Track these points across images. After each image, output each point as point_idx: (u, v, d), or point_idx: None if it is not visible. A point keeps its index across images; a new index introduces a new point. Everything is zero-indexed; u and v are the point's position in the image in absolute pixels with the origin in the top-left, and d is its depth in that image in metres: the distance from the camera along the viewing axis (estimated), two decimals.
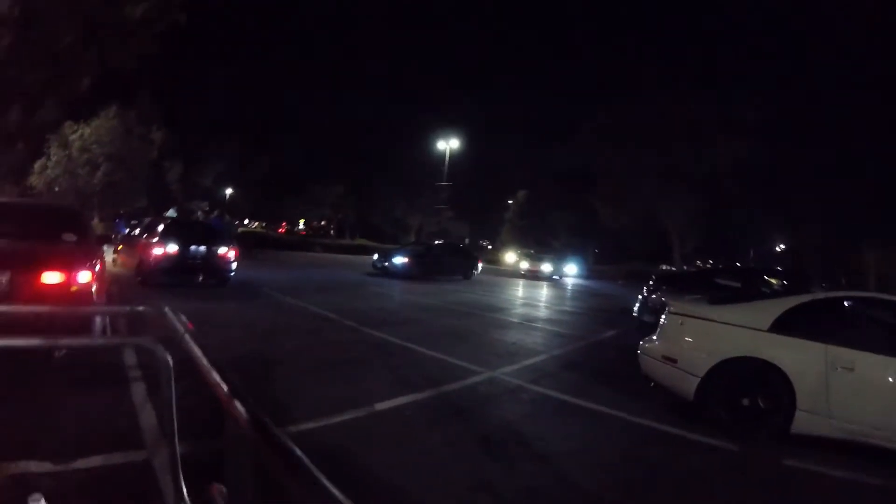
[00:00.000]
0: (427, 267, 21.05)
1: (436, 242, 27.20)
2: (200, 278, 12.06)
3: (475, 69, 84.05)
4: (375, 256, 22.71)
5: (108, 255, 10.65)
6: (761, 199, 36.45)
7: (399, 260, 21.00)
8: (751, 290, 9.44)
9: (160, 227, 12.42)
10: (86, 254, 5.73)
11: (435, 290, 16.61)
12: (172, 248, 11.60)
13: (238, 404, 1.22)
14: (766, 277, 11.96)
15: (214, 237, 12.75)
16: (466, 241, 58.29)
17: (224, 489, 1.41)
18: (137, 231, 14.92)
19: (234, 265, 12.64)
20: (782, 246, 47.66)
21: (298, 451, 0.99)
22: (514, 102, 76.41)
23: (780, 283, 11.23)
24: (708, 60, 43.53)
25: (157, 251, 11.51)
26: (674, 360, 5.34)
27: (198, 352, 1.58)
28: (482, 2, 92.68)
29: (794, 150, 33.98)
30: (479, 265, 25.58)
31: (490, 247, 58.49)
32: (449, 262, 22.97)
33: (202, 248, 12.07)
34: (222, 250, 12.37)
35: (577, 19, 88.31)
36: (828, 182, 32.37)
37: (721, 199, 35.85)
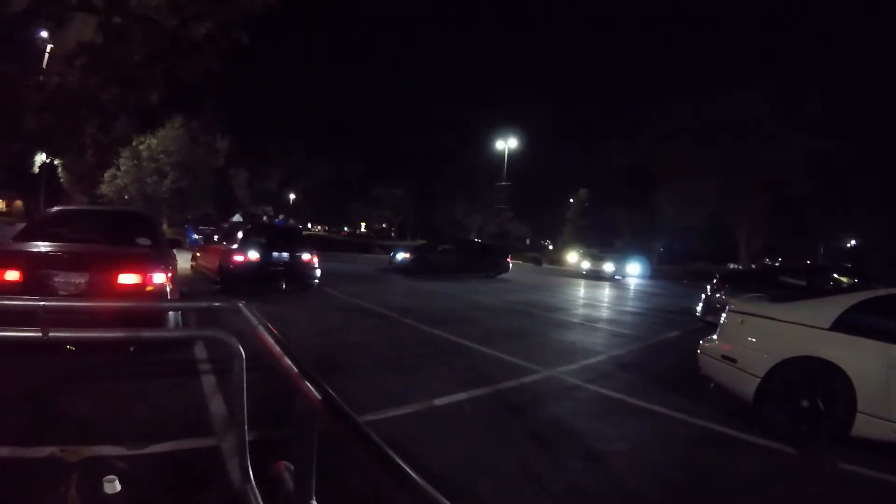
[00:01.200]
0: (428, 264, 20.54)
1: (467, 241, 27.36)
2: (284, 286, 11.55)
3: (535, 68, 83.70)
4: (391, 254, 23.17)
5: (183, 260, 10.86)
6: (830, 196, 34.76)
7: (399, 256, 21.41)
8: (816, 289, 9.08)
9: (240, 233, 11.91)
10: (160, 257, 6.12)
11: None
12: (254, 254, 11.19)
13: (309, 384, 1.31)
14: (835, 276, 11.45)
15: (297, 242, 12.36)
16: (528, 240, 58.66)
17: (291, 466, 1.53)
18: (216, 237, 14.48)
19: (317, 271, 12.18)
20: (853, 242, 45.46)
21: (369, 430, 1.05)
22: (574, 101, 75.27)
23: (850, 281, 10.69)
24: (777, 56, 41.73)
25: (238, 258, 11.04)
26: (733, 360, 5.21)
27: (270, 340, 1.72)
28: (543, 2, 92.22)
29: (865, 146, 32.27)
30: (509, 264, 24.62)
31: (551, 247, 57.96)
32: (461, 259, 22.07)
33: (285, 254, 11.66)
34: (306, 256, 11.96)
35: (641, 16, 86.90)
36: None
37: (788, 197, 34.36)
